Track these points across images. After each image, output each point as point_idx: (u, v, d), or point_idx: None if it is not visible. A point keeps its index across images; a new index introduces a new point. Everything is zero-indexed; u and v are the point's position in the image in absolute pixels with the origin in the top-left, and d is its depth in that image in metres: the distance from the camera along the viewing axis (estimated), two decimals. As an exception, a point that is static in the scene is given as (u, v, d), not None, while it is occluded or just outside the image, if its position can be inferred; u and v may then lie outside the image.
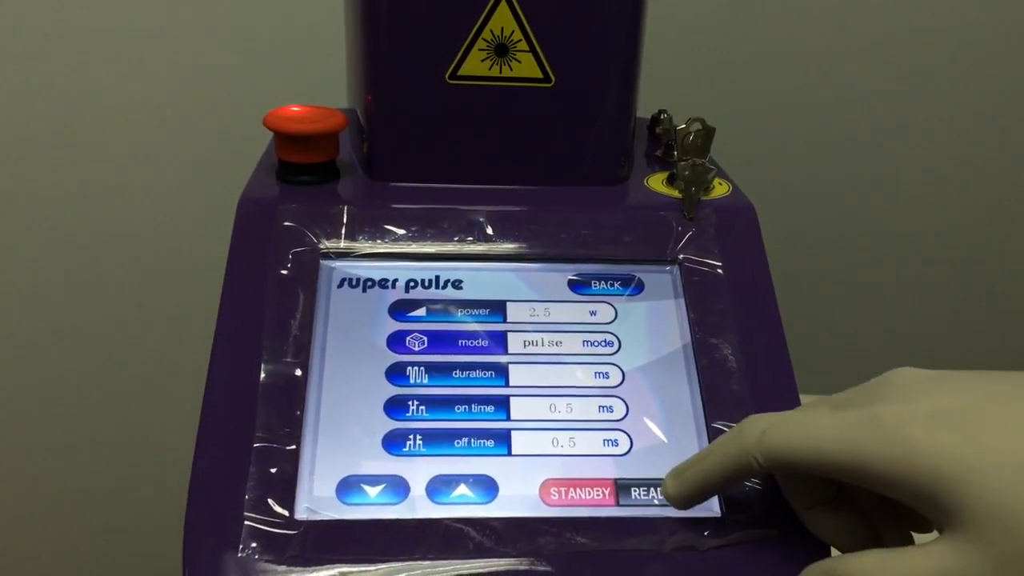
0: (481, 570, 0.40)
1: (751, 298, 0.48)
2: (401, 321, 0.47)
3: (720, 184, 0.54)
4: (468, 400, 0.45)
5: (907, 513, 0.40)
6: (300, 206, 0.49)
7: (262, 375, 0.44)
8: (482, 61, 0.49)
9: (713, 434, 0.44)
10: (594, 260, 0.49)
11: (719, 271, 0.49)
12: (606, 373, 0.46)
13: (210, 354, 0.44)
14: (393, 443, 0.43)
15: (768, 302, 0.49)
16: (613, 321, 0.48)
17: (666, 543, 0.41)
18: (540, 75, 0.50)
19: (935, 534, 0.35)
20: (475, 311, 0.48)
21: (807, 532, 0.41)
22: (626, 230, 0.50)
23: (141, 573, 1.05)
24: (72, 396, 0.97)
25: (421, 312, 0.47)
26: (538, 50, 0.49)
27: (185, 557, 0.39)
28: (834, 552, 0.40)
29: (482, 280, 0.49)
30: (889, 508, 0.40)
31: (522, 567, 0.40)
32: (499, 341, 0.47)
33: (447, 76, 0.50)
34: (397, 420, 0.44)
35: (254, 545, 0.40)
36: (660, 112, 0.60)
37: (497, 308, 0.48)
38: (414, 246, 0.49)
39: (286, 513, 0.41)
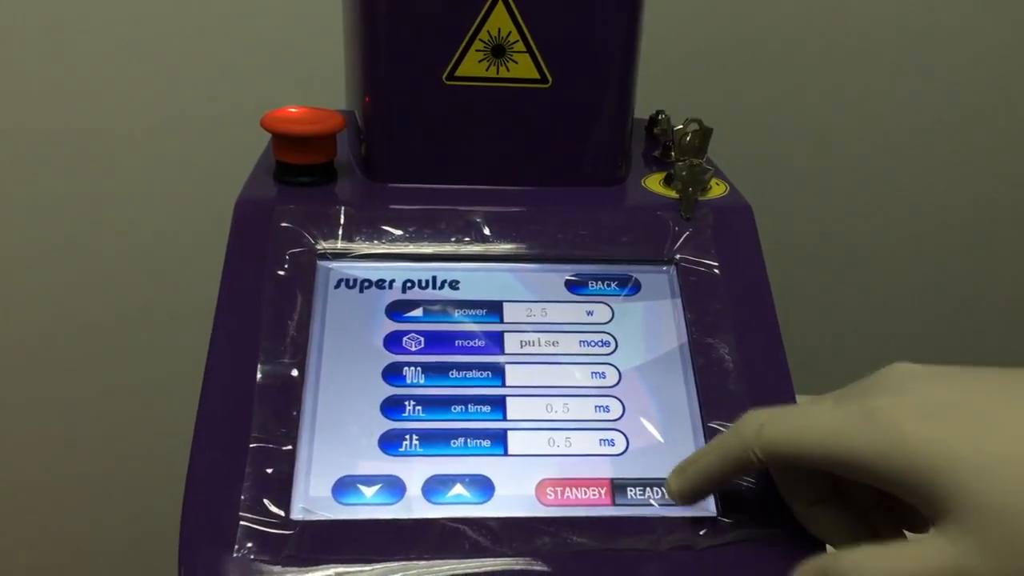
0: (477, 570, 0.40)
1: (748, 298, 0.48)
2: (398, 321, 0.47)
3: (717, 184, 0.54)
4: (464, 400, 0.45)
5: (904, 512, 0.40)
6: (297, 207, 0.49)
7: (259, 375, 0.44)
8: (479, 62, 0.50)
9: (709, 434, 0.44)
10: (591, 260, 0.50)
11: (716, 271, 0.49)
12: (603, 373, 0.46)
13: (207, 354, 0.44)
14: (389, 443, 0.43)
15: (765, 302, 0.49)
16: (610, 321, 0.48)
17: (662, 542, 0.41)
18: (537, 76, 0.50)
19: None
20: (472, 311, 0.48)
21: (803, 531, 0.41)
22: (623, 230, 0.50)
23: (138, 573, 1.05)
24: (68, 396, 0.97)
25: (418, 312, 0.48)
26: (535, 51, 0.49)
27: (181, 557, 0.40)
28: (830, 551, 0.40)
29: (479, 280, 0.49)
30: (886, 506, 0.40)
31: (518, 567, 0.40)
32: (496, 341, 0.47)
33: (444, 77, 0.50)
34: (393, 420, 0.44)
35: (250, 545, 0.40)
36: (658, 113, 0.60)
37: (494, 308, 0.48)
38: (411, 247, 0.49)
39: (282, 513, 0.41)
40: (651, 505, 0.43)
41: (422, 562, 0.40)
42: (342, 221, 0.49)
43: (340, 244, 0.48)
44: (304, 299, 0.47)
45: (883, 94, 0.92)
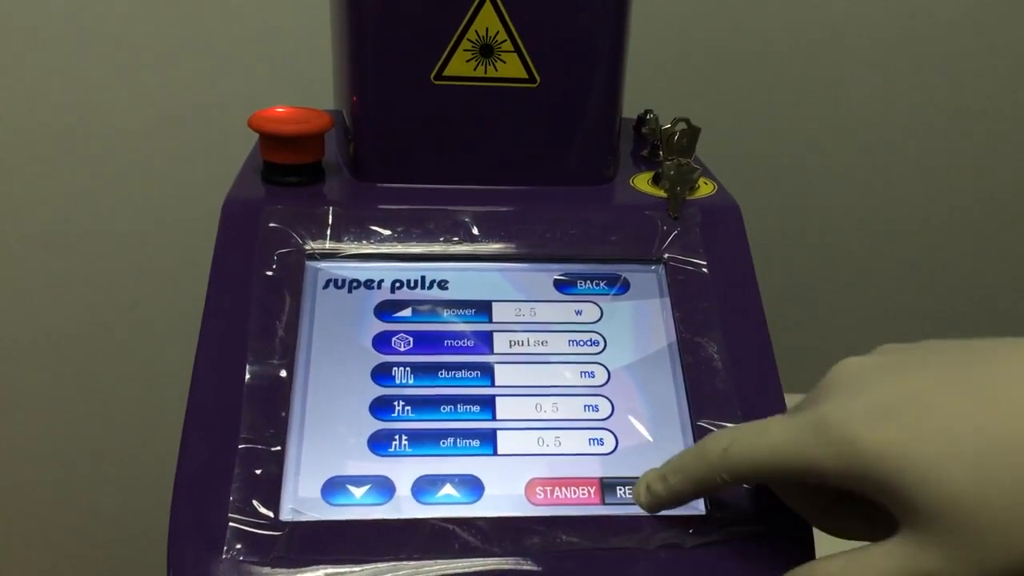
0: (467, 570, 0.40)
1: (736, 297, 0.49)
2: (387, 322, 0.47)
3: (705, 184, 0.54)
4: (454, 400, 0.45)
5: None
6: (285, 207, 0.49)
7: (247, 376, 0.44)
8: (467, 62, 0.50)
9: (698, 432, 0.44)
10: (580, 260, 0.50)
11: (704, 270, 0.49)
12: (591, 372, 0.46)
13: (195, 355, 0.44)
14: (379, 443, 0.43)
15: (753, 301, 0.49)
16: (599, 320, 0.48)
17: (651, 541, 0.41)
18: (525, 75, 0.50)
19: None
20: (461, 311, 0.48)
21: (791, 529, 0.41)
22: (612, 230, 0.50)
23: (127, 574, 1.05)
24: (56, 398, 0.96)
25: (407, 313, 0.47)
26: (523, 50, 0.49)
27: (170, 558, 0.39)
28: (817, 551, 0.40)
29: (468, 280, 0.49)
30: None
31: (508, 566, 0.40)
32: (485, 341, 0.47)
33: (432, 77, 0.50)
34: (383, 420, 0.44)
35: (239, 546, 0.40)
36: (646, 112, 0.60)
37: (483, 308, 0.48)
38: (400, 247, 0.49)
39: (271, 514, 0.41)
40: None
41: (412, 562, 0.40)
42: (330, 221, 0.49)
43: (328, 244, 0.48)
44: (292, 299, 0.46)
45: (870, 93, 0.92)
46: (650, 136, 0.59)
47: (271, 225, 0.48)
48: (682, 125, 0.54)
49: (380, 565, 0.40)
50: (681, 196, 0.52)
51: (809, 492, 0.40)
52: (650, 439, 0.45)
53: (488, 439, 0.44)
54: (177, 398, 0.45)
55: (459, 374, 0.46)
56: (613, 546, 0.41)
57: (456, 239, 0.49)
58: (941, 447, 0.33)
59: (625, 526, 0.42)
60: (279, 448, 0.42)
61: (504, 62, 0.50)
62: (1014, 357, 0.35)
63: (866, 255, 1.00)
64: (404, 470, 0.43)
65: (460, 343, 0.47)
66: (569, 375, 0.46)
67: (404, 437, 0.44)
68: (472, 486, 0.43)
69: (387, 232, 0.49)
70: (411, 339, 0.47)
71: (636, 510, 0.42)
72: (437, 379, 0.46)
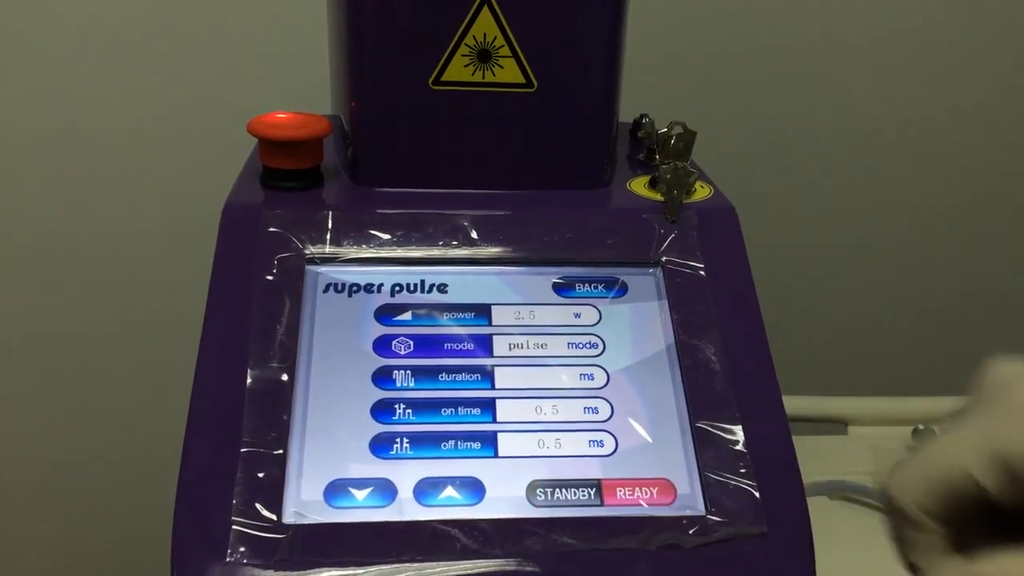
0: (469, 571, 0.40)
1: (733, 299, 0.49)
2: (387, 325, 0.47)
3: (701, 187, 0.54)
4: (454, 403, 0.45)
5: None
6: (285, 212, 0.49)
7: (248, 380, 0.44)
8: (465, 67, 0.50)
9: (697, 434, 0.45)
10: (578, 263, 0.50)
11: (701, 273, 0.50)
12: (591, 375, 0.47)
13: (197, 359, 0.44)
14: (380, 446, 0.44)
15: (750, 303, 0.49)
16: (597, 323, 0.48)
17: (652, 542, 0.42)
18: (523, 80, 0.50)
19: None
20: (460, 315, 0.48)
21: (791, 530, 0.42)
22: (610, 233, 0.51)
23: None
24: (57, 402, 0.96)
25: (407, 316, 0.48)
26: (520, 55, 0.50)
27: (174, 562, 0.40)
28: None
29: (467, 284, 0.49)
30: None
31: (510, 568, 0.41)
32: (484, 344, 0.47)
33: (430, 82, 0.50)
34: (384, 423, 0.44)
35: (242, 550, 0.40)
36: (642, 116, 0.61)
37: (482, 311, 0.48)
38: (399, 251, 0.49)
39: (274, 517, 0.41)
40: (640, 505, 0.43)
41: (414, 564, 0.40)
42: (330, 225, 0.49)
43: (328, 248, 0.49)
44: (293, 304, 0.47)
45: (867, 96, 0.93)
46: (646, 140, 0.59)
47: (271, 230, 0.49)
48: (678, 129, 0.55)
49: (383, 567, 0.40)
50: (678, 199, 0.52)
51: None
52: (649, 440, 0.45)
53: (489, 441, 0.44)
54: (179, 403, 0.45)
55: (459, 377, 0.46)
56: (614, 547, 0.41)
57: (455, 243, 0.50)
58: None
59: (625, 527, 0.42)
60: (281, 452, 0.42)
61: (502, 67, 0.50)
62: None
63: (862, 257, 1.01)
64: (406, 473, 0.43)
65: (460, 346, 0.47)
66: (569, 378, 0.47)
67: (405, 440, 0.44)
68: (473, 488, 0.43)
69: (386, 236, 0.49)
70: (411, 342, 0.47)
71: (636, 511, 0.43)
72: (438, 382, 0.46)
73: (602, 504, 0.43)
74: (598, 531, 0.42)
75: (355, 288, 0.48)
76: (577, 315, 0.49)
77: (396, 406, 0.45)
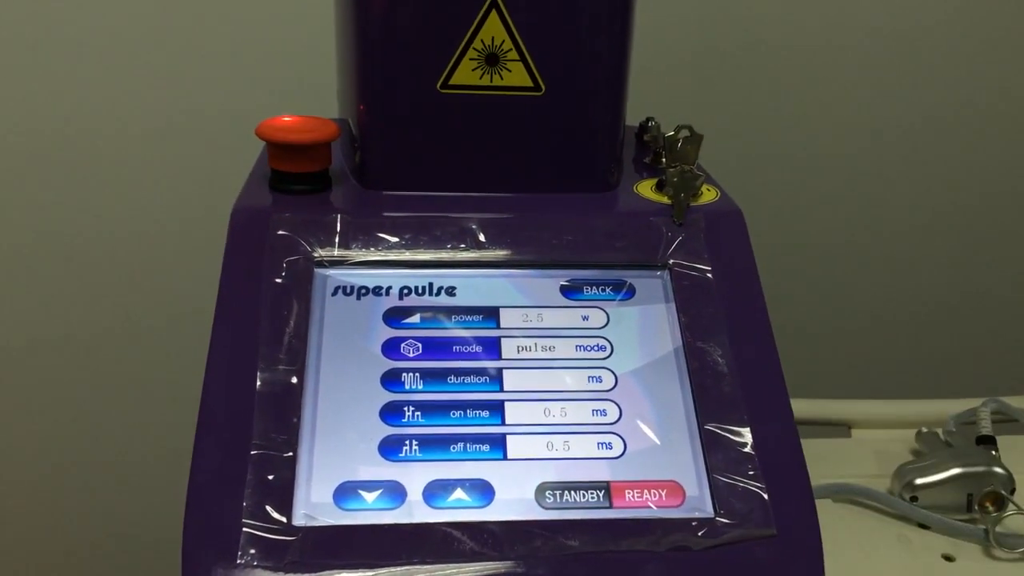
0: (479, 573, 0.40)
1: (740, 301, 0.49)
2: (395, 328, 0.47)
3: (708, 190, 0.54)
4: (463, 405, 0.45)
5: None
6: (294, 215, 0.49)
7: (258, 383, 0.44)
8: (473, 70, 0.50)
9: (705, 436, 0.45)
10: (586, 266, 0.50)
11: (708, 275, 0.50)
12: (599, 377, 0.47)
13: (206, 362, 0.45)
14: (389, 448, 0.44)
15: (757, 305, 0.49)
16: (605, 326, 0.49)
17: (661, 544, 0.42)
18: (531, 84, 0.51)
19: None
20: (469, 317, 0.48)
21: (800, 532, 0.42)
22: (617, 236, 0.51)
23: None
24: (67, 406, 0.96)
25: (415, 319, 0.48)
26: (528, 59, 0.50)
27: (184, 564, 0.40)
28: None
29: (475, 287, 0.49)
30: None
31: (519, 570, 0.41)
32: (493, 347, 0.47)
33: (439, 85, 0.50)
34: (393, 426, 0.44)
35: (253, 552, 0.40)
36: (648, 120, 0.61)
37: (490, 314, 0.48)
38: (407, 254, 0.49)
39: (284, 520, 0.41)
40: (649, 507, 0.43)
41: (424, 566, 0.40)
42: (339, 229, 0.49)
43: (337, 251, 0.49)
44: (302, 306, 0.47)
45: (872, 100, 0.93)
46: (652, 143, 0.60)
47: (280, 233, 0.49)
48: (685, 132, 0.55)
49: (393, 570, 0.40)
50: (685, 203, 0.52)
51: None
52: (658, 443, 0.45)
53: (498, 444, 0.44)
54: (189, 405, 0.45)
55: (468, 379, 0.46)
56: (623, 549, 0.42)
57: (463, 246, 0.50)
58: None
59: (634, 529, 0.42)
60: (291, 454, 0.43)
61: (510, 71, 0.50)
62: None
63: (865, 260, 1.01)
64: (415, 475, 0.43)
65: (468, 349, 0.47)
66: (577, 380, 0.47)
67: (415, 442, 0.44)
68: (483, 490, 0.43)
69: (395, 239, 0.49)
70: (420, 345, 0.47)
71: (645, 513, 0.43)
72: (446, 384, 0.46)
73: (611, 506, 0.43)
74: (607, 533, 0.42)
75: (364, 291, 0.48)
76: (585, 318, 0.49)
77: (405, 408, 0.45)
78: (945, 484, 0.65)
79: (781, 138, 0.94)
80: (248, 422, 0.43)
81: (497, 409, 0.45)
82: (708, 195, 0.54)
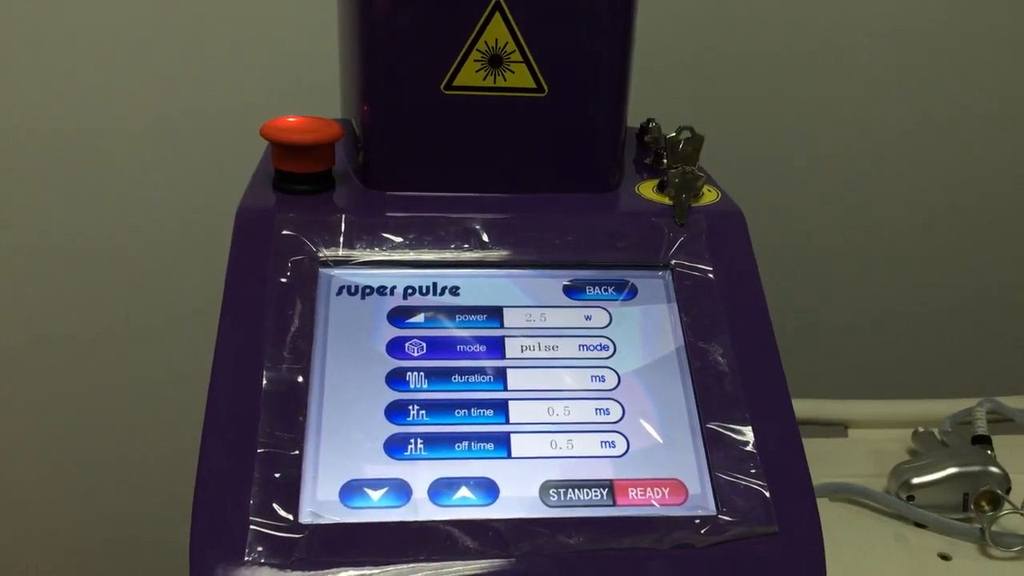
0: (484, 571, 0.41)
1: (742, 301, 0.50)
2: (400, 327, 0.48)
3: (709, 191, 0.55)
4: (468, 404, 0.46)
5: None
6: (298, 215, 0.50)
7: (264, 382, 0.44)
8: (476, 71, 0.50)
9: (707, 435, 0.45)
10: (588, 266, 0.50)
11: (710, 275, 0.50)
12: (602, 377, 0.47)
13: (212, 361, 0.45)
14: (395, 447, 0.44)
15: (758, 305, 0.50)
16: (608, 326, 0.49)
17: (665, 541, 0.42)
18: (533, 85, 0.51)
19: None
20: (472, 317, 0.48)
21: (802, 529, 0.42)
22: (619, 236, 0.51)
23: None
24: (74, 406, 0.96)
25: (419, 318, 0.48)
26: (531, 61, 0.50)
27: (192, 562, 0.40)
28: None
29: (479, 286, 0.49)
30: None
31: (523, 567, 0.41)
32: (497, 346, 0.48)
33: (442, 86, 0.51)
34: (398, 424, 0.45)
35: (260, 549, 0.40)
36: (648, 121, 0.61)
37: (494, 314, 0.49)
38: (411, 254, 0.50)
39: (291, 517, 0.41)
40: (652, 505, 0.43)
41: (430, 564, 0.41)
42: (343, 229, 0.50)
43: (341, 251, 0.49)
44: (307, 306, 0.47)
45: (870, 100, 0.94)
46: (653, 144, 0.60)
47: (284, 233, 0.49)
48: (686, 134, 0.55)
49: (400, 567, 0.40)
50: (686, 203, 0.52)
51: None
52: (660, 441, 0.46)
53: (502, 442, 0.45)
54: (196, 405, 0.45)
55: (472, 378, 0.46)
56: (627, 546, 0.42)
57: (466, 246, 0.50)
58: None
59: (638, 527, 0.43)
60: (297, 452, 0.43)
61: (513, 72, 0.51)
62: None
63: (861, 260, 1.01)
64: (420, 473, 0.43)
65: (472, 348, 0.47)
66: (580, 379, 0.47)
67: (420, 441, 0.44)
68: (487, 488, 0.43)
69: (399, 239, 0.50)
70: (424, 344, 0.47)
71: (648, 511, 0.43)
72: (451, 383, 0.46)
73: (614, 504, 0.43)
74: (611, 531, 0.42)
75: (368, 290, 0.49)
76: (588, 317, 0.49)
77: (410, 407, 0.45)
78: (941, 483, 0.66)
79: (779, 139, 0.94)
80: (254, 421, 0.43)
81: (501, 408, 0.46)
82: (709, 196, 0.54)
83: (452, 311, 0.49)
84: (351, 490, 0.43)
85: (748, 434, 0.45)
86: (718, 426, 0.46)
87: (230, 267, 0.48)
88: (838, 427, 0.78)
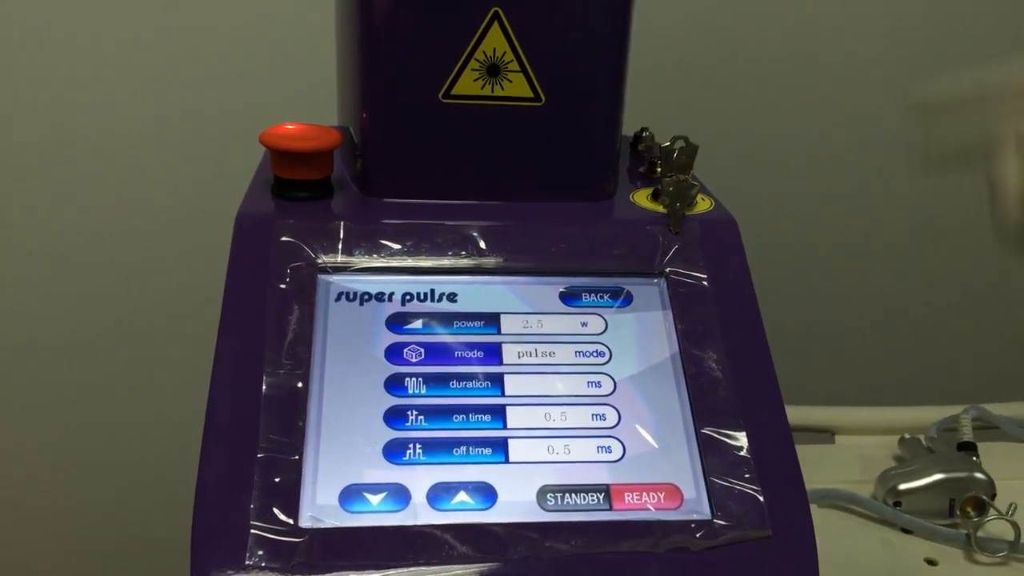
0: (481, 574, 0.41)
1: (735, 308, 0.50)
2: (398, 333, 0.48)
3: (703, 200, 0.56)
4: (465, 409, 0.46)
5: None
6: (297, 222, 0.50)
7: (264, 387, 0.45)
8: (475, 81, 0.51)
9: (702, 440, 0.46)
10: (584, 273, 0.51)
11: (704, 283, 0.51)
12: (598, 382, 0.48)
13: (212, 367, 0.45)
14: (393, 452, 0.44)
15: (751, 312, 0.50)
16: (604, 332, 0.50)
17: (661, 545, 0.43)
18: (531, 94, 0.52)
19: None
20: (470, 323, 0.49)
21: (796, 532, 0.43)
22: (614, 244, 0.52)
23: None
24: (74, 410, 0.96)
25: (417, 325, 0.49)
26: (529, 70, 0.51)
27: (193, 566, 0.40)
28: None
29: (476, 293, 0.50)
30: None
31: (521, 571, 0.42)
32: (494, 352, 0.48)
33: (440, 95, 0.51)
34: (397, 430, 0.45)
35: (260, 553, 0.40)
36: (642, 130, 0.62)
37: (491, 320, 0.49)
38: (409, 260, 0.50)
39: (291, 521, 0.41)
40: (648, 509, 0.44)
41: (428, 568, 0.41)
42: (342, 235, 0.50)
43: (340, 258, 0.49)
44: (306, 312, 0.47)
45: (865, 110, 0.95)
46: (647, 153, 0.61)
47: (283, 239, 0.49)
48: (681, 143, 0.56)
49: (399, 571, 0.41)
50: (681, 212, 0.53)
51: None
52: (656, 446, 0.46)
53: (500, 447, 0.45)
54: (196, 409, 0.45)
55: (470, 384, 0.47)
56: (623, 550, 0.43)
57: (464, 253, 0.51)
58: None
59: (634, 531, 0.43)
60: (297, 457, 0.43)
61: (511, 81, 0.51)
62: None
63: (852, 269, 1.03)
64: (419, 478, 0.44)
65: (470, 354, 0.48)
66: (577, 385, 0.48)
67: (418, 446, 0.45)
68: (485, 493, 0.44)
69: (397, 246, 0.50)
70: (422, 350, 0.48)
71: (644, 515, 0.44)
72: (449, 389, 0.47)
73: (611, 508, 0.44)
74: (607, 535, 0.43)
75: (367, 297, 0.49)
76: (584, 324, 0.50)
77: (408, 412, 0.46)
78: (928, 489, 0.67)
79: (770, 149, 0.95)
80: (254, 426, 0.44)
81: (499, 413, 0.46)
82: (703, 204, 0.55)
83: (450, 317, 0.49)
84: (350, 494, 0.43)
85: (742, 439, 0.46)
86: (712, 431, 0.46)
87: (230, 273, 0.48)
88: (825, 433, 0.79)
